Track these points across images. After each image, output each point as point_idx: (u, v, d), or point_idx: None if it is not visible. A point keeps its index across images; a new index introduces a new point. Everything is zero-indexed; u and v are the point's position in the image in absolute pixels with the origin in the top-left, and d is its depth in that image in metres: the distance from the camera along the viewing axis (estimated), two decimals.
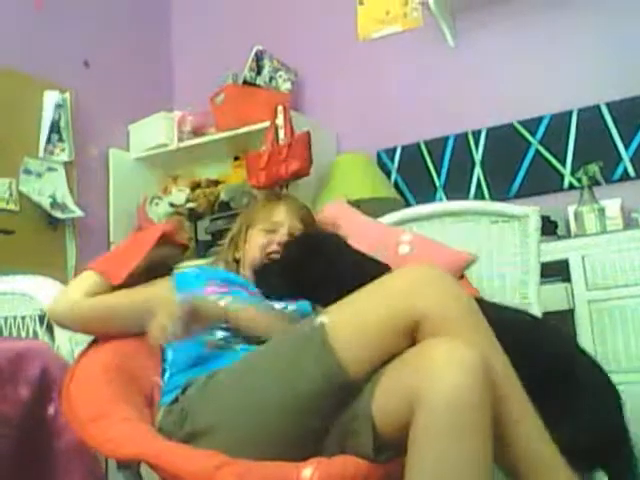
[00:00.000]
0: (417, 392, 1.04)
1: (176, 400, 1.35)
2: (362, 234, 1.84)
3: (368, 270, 1.43)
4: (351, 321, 1.18)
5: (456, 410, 1.00)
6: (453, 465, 1.00)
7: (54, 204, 2.92)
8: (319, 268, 1.54)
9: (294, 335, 1.25)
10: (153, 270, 1.61)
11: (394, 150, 3.21)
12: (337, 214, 2.00)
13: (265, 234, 1.72)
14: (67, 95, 3.05)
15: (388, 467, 1.11)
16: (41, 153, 2.93)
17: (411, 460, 1.03)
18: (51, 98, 2.99)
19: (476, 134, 3.05)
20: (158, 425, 1.36)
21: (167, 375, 1.49)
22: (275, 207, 1.76)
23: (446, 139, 3.11)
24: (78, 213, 3.00)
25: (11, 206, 2.79)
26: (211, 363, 1.39)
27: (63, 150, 3.01)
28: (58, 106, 3.00)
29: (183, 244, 1.72)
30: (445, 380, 1.02)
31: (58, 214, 2.92)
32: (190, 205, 3.20)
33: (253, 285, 1.64)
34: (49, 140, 2.96)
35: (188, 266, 1.74)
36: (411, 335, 1.14)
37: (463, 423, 1.00)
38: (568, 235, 2.68)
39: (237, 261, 1.76)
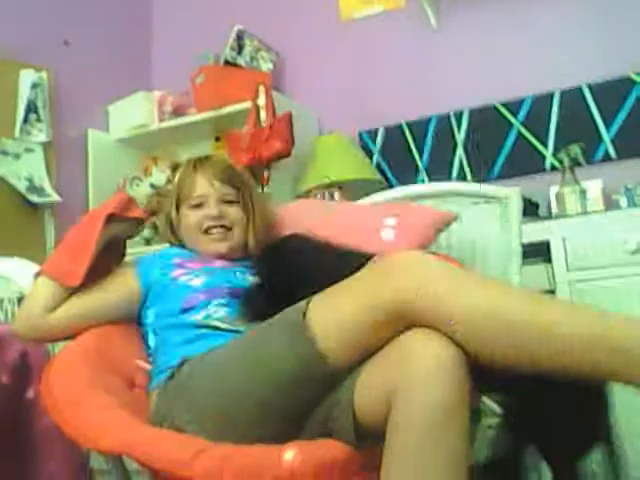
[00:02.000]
0: (394, 387, 1.03)
1: (172, 377, 1.34)
2: (338, 223, 1.78)
3: (349, 266, 1.28)
4: (331, 311, 1.15)
5: (430, 406, 0.99)
6: (428, 462, 0.99)
7: (30, 187, 2.88)
8: (302, 280, 1.37)
9: (277, 323, 1.23)
10: (109, 248, 1.55)
11: (376, 131, 3.19)
12: (302, 211, 1.91)
13: (194, 211, 1.62)
14: (44, 74, 3.00)
15: (368, 453, 1.11)
16: (17, 133, 2.88)
17: (387, 454, 1.03)
18: (27, 77, 2.94)
19: (458, 115, 3.05)
20: (153, 406, 1.35)
21: (156, 357, 1.48)
22: (193, 179, 1.65)
23: (428, 120, 3.10)
24: (55, 198, 2.95)
25: None
26: (207, 341, 1.38)
27: (41, 130, 2.96)
28: (35, 85, 2.95)
29: (136, 217, 1.61)
30: (420, 376, 1.01)
31: (34, 198, 2.87)
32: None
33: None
34: (26, 120, 2.91)
35: (148, 251, 1.69)
36: (399, 321, 1.09)
37: (438, 419, 0.99)
38: (549, 216, 2.69)
39: (181, 241, 1.67)
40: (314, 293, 1.20)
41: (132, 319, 1.56)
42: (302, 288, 1.24)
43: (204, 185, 1.63)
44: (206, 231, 1.61)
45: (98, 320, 1.50)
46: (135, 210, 1.61)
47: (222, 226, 1.61)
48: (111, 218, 1.53)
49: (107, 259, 1.56)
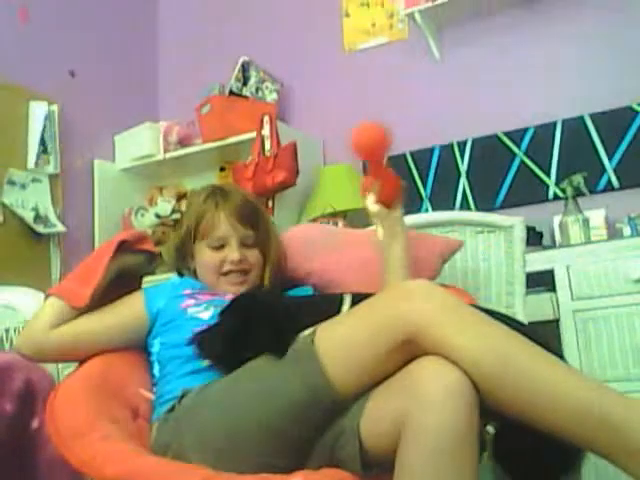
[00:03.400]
0: (404, 415, 1.03)
1: (172, 409, 1.34)
2: (342, 247, 1.79)
3: (318, 315, 1.29)
4: (340, 338, 1.16)
5: (440, 433, 1.00)
6: None
7: (37, 218, 2.90)
8: (265, 332, 1.31)
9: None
10: (121, 281, 1.57)
11: None
12: (308, 232, 1.90)
13: (214, 252, 1.58)
14: (55, 107, 3.04)
15: None
16: (31, 165, 2.91)
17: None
18: (38, 109, 2.98)
19: (461, 145, 3.07)
20: (153, 437, 1.35)
21: (159, 387, 1.48)
22: (214, 217, 1.58)
23: (432, 150, 3.12)
24: (60, 228, 2.97)
25: None
26: (210, 373, 1.38)
27: (48, 162, 2.99)
28: (45, 117, 2.99)
29: (147, 251, 1.62)
30: (430, 405, 1.01)
31: (40, 229, 2.89)
32: (176, 216, 3.20)
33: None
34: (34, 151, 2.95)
35: (159, 279, 1.70)
36: (407, 349, 1.10)
37: (449, 447, 0.99)
38: (553, 245, 2.70)
39: (194, 271, 1.64)
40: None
41: (138, 346, 1.56)
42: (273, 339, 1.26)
43: (226, 227, 1.58)
44: (225, 274, 1.59)
45: (102, 345, 1.51)
46: (148, 244, 1.62)
47: (241, 270, 1.59)
48: (123, 247, 1.54)
49: (120, 292, 1.57)
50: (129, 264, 1.59)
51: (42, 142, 2.97)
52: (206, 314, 1.48)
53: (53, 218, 2.96)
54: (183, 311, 1.51)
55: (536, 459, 1.17)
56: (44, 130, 2.98)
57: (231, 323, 1.35)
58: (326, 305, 1.37)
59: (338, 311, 1.33)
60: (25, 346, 1.48)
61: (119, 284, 1.56)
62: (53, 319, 1.46)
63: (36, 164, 2.94)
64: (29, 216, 2.87)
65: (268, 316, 1.33)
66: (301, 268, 1.73)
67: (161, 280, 1.66)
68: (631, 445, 0.98)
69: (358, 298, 1.32)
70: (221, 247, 1.58)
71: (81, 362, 1.49)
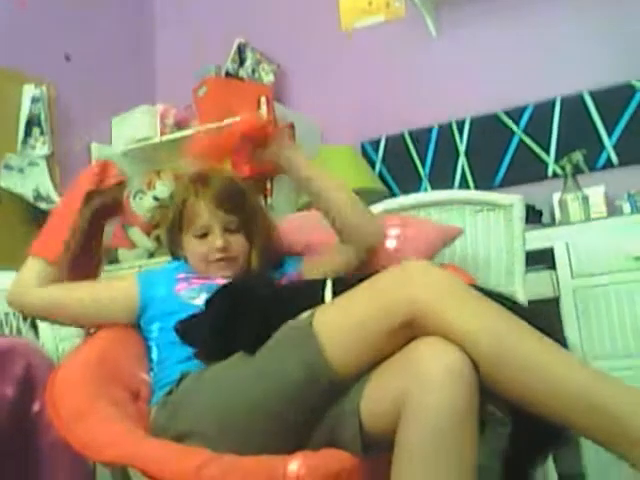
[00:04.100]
0: (404, 394, 1.03)
1: (170, 393, 1.35)
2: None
3: (302, 300, 1.32)
4: (340, 320, 1.15)
5: (441, 412, 1.00)
6: (439, 469, 1.00)
7: (37, 197, 2.89)
8: (253, 319, 1.31)
9: (282, 332, 1.23)
10: (103, 211, 1.64)
11: (378, 141, 3.20)
12: (302, 223, 1.89)
13: (199, 240, 1.58)
14: (44, 88, 3.02)
15: (374, 462, 1.11)
16: (19, 147, 2.90)
17: (397, 463, 1.03)
18: (33, 93, 2.96)
19: (460, 124, 3.05)
20: (152, 421, 1.35)
21: (156, 371, 1.48)
22: (195, 206, 1.58)
23: (430, 129, 3.11)
24: None
25: None
26: None
27: (44, 143, 2.97)
28: (36, 99, 2.96)
29: (113, 182, 1.65)
30: (430, 384, 1.01)
31: (42, 205, 2.88)
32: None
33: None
34: (29, 134, 2.92)
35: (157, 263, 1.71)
36: (407, 331, 1.10)
37: (449, 427, 1.00)
38: (553, 223, 2.69)
39: (186, 259, 1.64)
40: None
41: (121, 325, 1.57)
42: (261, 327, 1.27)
43: (207, 214, 1.57)
44: (213, 262, 1.58)
45: (88, 316, 1.56)
46: (112, 177, 1.65)
47: (226, 257, 1.58)
48: (91, 193, 1.60)
49: (104, 220, 1.68)
50: (102, 202, 1.64)
51: (38, 125, 2.95)
52: (200, 299, 1.48)
53: (55, 196, 2.93)
54: (178, 296, 1.52)
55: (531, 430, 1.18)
56: (39, 113, 2.96)
57: (217, 311, 1.36)
58: (309, 290, 1.37)
59: (322, 296, 1.33)
60: (10, 298, 1.55)
61: (100, 220, 1.65)
62: (36, 275, 1.53)
63: (32, 147, 2.93)
64: (29, 195, 2.85)
65: (254, 303, 1.33)
66: (298, 243, 1.73)
67: (155, 267, 1.70)
68: (632, 434, 0.98)
69: (340, 282, 1.33)
70: (205, 235, 1.58)
71: (80, 345, 1.51)
